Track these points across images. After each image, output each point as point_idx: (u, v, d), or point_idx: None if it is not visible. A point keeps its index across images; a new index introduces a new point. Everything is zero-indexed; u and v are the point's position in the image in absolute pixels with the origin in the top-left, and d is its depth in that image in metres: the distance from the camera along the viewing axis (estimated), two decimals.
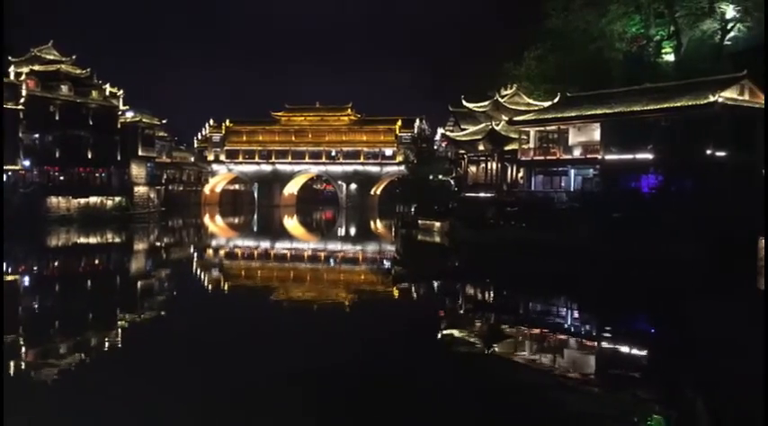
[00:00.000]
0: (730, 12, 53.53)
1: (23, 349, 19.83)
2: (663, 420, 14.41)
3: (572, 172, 49.01)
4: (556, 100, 52.20)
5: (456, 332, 22.70)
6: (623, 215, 39.52)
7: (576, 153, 48.57)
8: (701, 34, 55.04)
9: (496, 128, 53.88)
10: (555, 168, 50.55)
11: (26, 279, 35.75)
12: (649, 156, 42.16)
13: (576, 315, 27.59)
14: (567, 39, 60.28)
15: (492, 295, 32.58)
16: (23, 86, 69.84)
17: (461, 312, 27.59)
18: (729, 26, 53.86)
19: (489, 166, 57.38)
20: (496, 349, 20.56)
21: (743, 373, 16.81)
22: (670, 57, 57.44)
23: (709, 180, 38.07)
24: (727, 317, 23.78)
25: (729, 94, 40.47)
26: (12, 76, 69.43)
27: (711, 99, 38.84)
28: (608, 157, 45.40)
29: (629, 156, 43.72)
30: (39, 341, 20.45)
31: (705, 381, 16.85)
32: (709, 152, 39.36)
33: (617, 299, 29.16)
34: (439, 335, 22.18)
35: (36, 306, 28.42)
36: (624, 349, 21.04)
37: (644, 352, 20.67)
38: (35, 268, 40.31)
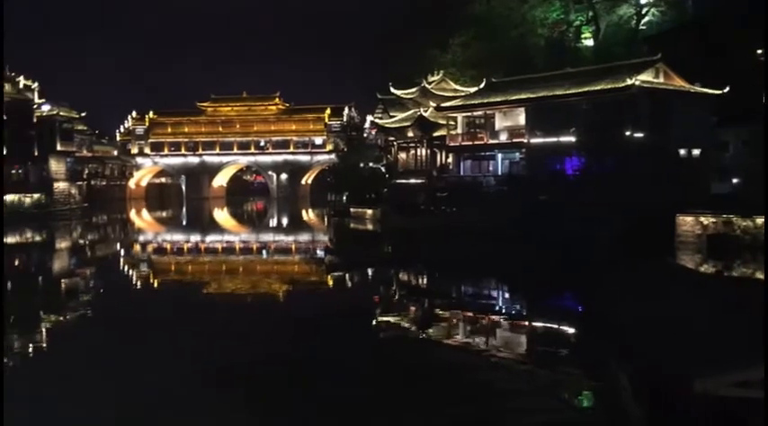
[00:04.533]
0: None
1: None
2: (590, 393, 14.97)
3: (499, 156, 49.99)
4: (481, 85, 53.05)
5: (390, 318, 22.92)
6: (548, 197, 40.64)
7: (503, 137, 49.53)
8: (618, 19, 57.02)
9: (425, 114, 54.33)
10: (482, 153, 51.45)
11: None
12: (572, 139, 43.42)
13: (503, 295, 28.35)
14: (491, 25, 61.34)
15: (425, 280, 33.03)
16: None
17: (395, 298, 27.84)
18: (644, 11, 55.96)
19: (419, 153, 57.85)
20: (430, 332, 20.88)
21: (658, 343, 17.58)
22: (589, 42, 59.33)
23: (627, 161, 39.52)
24: (640, 291, 24.76)
25: (646, 77, 42.07)
26: None
27: (629, 82, 40.27)
28: (533, 141, 46.51)
29: (554, 140, 44.91)
30: None
31: (624, 353, 17.59)
32: (627, 133, 40.84)
33: (541, 279, 29.93)
34: (374, 322, 22.33)
35: None
36: (549, 325, 21.76)
37: (567, 328, 21.40)
38: None
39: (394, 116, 62.71)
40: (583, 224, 35.82)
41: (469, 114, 52.93)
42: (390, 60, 71.06)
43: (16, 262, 42.57)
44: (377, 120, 68.76)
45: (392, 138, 63.12)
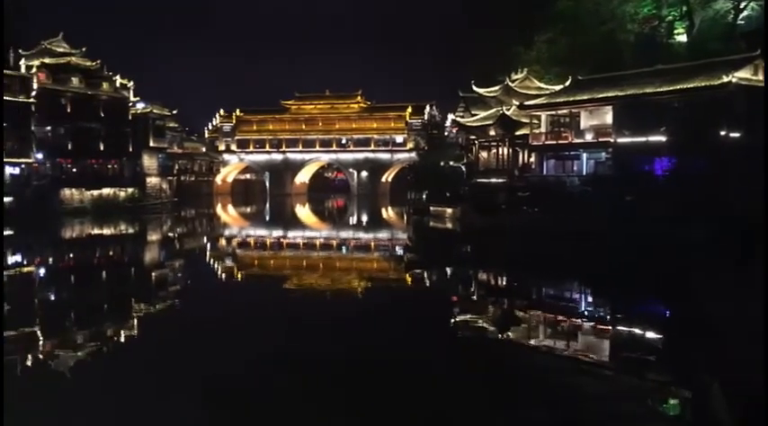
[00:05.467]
0: None
1: (40, 338, 20.07)
2: (678, 402, 14.37)
3: (584, 155, 48.77)
4: (567, 83, 51.89)
5: (469, 318, 22.72)
6: (636, 198, 39.29)
7: (588, 136, 48.26)
8: (714, 14, 54.36)
9: (507, 112, 53.59)
10: (567, 152, 50.34)
11: (41, 271, 36.08)
12: (662, 139, 41.82)
13: (589, 299, 27.54)
14: (578, 21, 59.75)
15: (504, 280, 32.55)
16: (34, 79, 70.04)
17: (474, 297, 27.59)
18: (742, 5, 53.15)
19: (500, 151, 57.16)
20: (510, 334, 20.55)
21: (757, 355, 16.70)
22: (682, 38, 56.84)
23: (722, 162, 37.70)
24: (737, 299, 23.62)
25: (743, 74, 40.01)
26: (23, 69, 69.66)
27: (725, 79, 38.43)
28: (620, 140, 45.09)
29: (642, 139, 43.40)
30: (55, 331, 20.67)
31: (719, 364, 16.76)
32: (722, 133, 38.99)
33: (630, 283, 29.02)
34: (452, 321, 22.19)
35: (52, 297, 28.71)
36: (638, 332, 20.96)
37: (658, 335, 20.58)
38: (50, 259, 40.63)
39: (476, 114, 62.20)
40: (673, 227, 34.44)
41: (554, 112, 51.84)
42: (473, 58, 70.43)
43: (111, 253, 44.82)
44: (458, 119, 68.36)
45: (473, 137, 62.59)
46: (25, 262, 39.55)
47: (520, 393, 14.43)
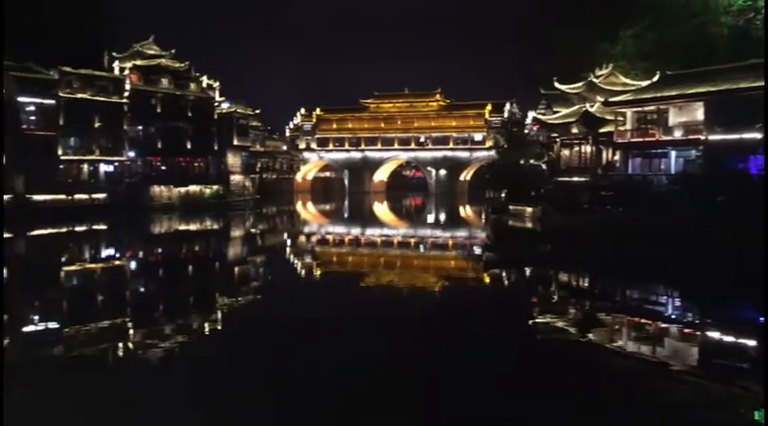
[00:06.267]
0: None
1: (130, 330, 21.01)
2: None
3: (672, 153, 46.96)
4: (655, 79, 50.06)
5: (550, 319, 22.23)
6: (729, 198, 37.46)
7: (677, 134, 46.44)
8: None
9: (591, 109, 52.27)
10: (654, 150, 48.60)
11: (132, 264, 37.76)
12: (758, 136, 39.74)
13: (676, 303, 26.45)
14: (667, 14, 57.57)
15: (586, 281, 31.71)
16: (127, 81, 73.34)
17: (555, 298, 26.98)
18: None
19: (583, 150, 55.80)
20: (592, 336, 19.96)
21: None
22: None
23: None
24: None
25: None
26: (116, 71, 73.18)
27: None
28: (712, 138, 43.17)
29: (736, 136, 41.41)
30: (144, 323, 21.58)
31: None
32: None
33: (720, 288, 27.71)
34: (532, 322, 21.78)
35: (142, 289, 30.01)
36: (728, 339, 19.96)
37: (749, 343, 19.53)
38: (140, 253, 42.47)
39: (557, 112, 60.92)
40: None
41: (640, 109, 50.13)
42: (555, 55, 68.93)
43: (197, 248, 46.40)
44: (539, 116, 67.08)
45: (555, 135, 61.33)
46: (117, 256, 41.52)
47: (606, 399, 13.97)
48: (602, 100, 51.99)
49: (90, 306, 24.65)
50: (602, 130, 52.80)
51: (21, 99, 63.25)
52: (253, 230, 60.65)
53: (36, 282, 29.96)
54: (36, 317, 22.75)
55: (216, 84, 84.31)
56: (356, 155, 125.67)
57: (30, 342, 19.18)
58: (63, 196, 63.39)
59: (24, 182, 61.13)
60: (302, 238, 54.12)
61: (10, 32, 68.17)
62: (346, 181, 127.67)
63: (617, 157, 51.80)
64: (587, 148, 54.95)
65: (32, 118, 64.85)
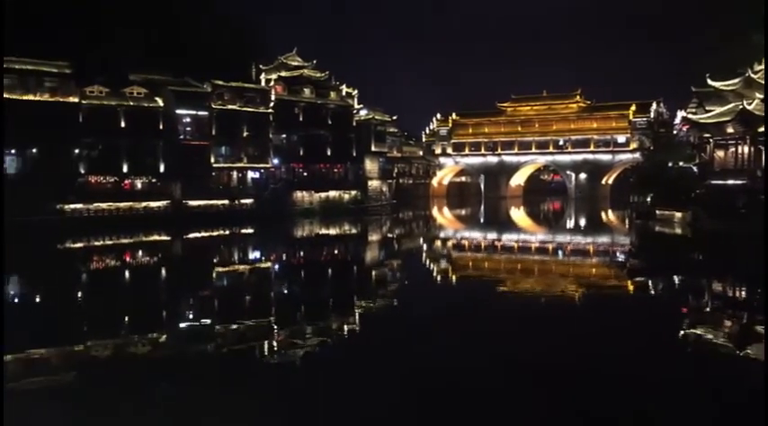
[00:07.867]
0: None
1: (274, 328, 22.07)
2: None
3: None
4: None
5: (702, 331, 20.81)
6: None
7: None
8: None
9: (749, 107, 48.42)
10: None
11: (276, 267, 39.65)
12: None
13: None
14: None
15: (744, 292, 29.37)
16: (272, 92, 77.22)
17: (707, 309, 25.23)
18: None
19: (740, 150, 51.80)
20: (749, 351, 18.47)
21: None
22: None
23: None
24: None
25: None
26: (263, 83, 77.35)
27: None
28: None
29: None
30: (285, 323, 22.59)
31: None
32: None
33: None
34: (681, 333, 20.50)
35: (285, 291, 31.43)
36: None
37: None
38: (284, 256, 44.51)
39: (710, 110, 56.90)
40: None
41: None
42: (707, 51, 64.63)
43: (336, 252, 47.90)
44: (689, 116, 63.01)
45: (707, 135, 57.34)
46: (263, 258, 43.80)
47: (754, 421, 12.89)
48: (761, 97, 47.99)
49: (239, 305, 26.20)
50: (760, 130, 48.75)
51: (178, 111, 68.48)
52: (389, 235, 61.66)
53: (192, 282, 32.27)
54: (190, 315, 24.51)
55: (354, 92, 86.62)
56: (492, 159, 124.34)
57: (186, 338, 20.69)
58: (215, 201, 68.00)
59: (181, 189, 66.12)
60: (438, 243, 54.30)
61: (171, 49, 74.23)
62: (482, 186, 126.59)
63: None
64: (744, 149, 50.96)
65: (188, 128, 69.98)
